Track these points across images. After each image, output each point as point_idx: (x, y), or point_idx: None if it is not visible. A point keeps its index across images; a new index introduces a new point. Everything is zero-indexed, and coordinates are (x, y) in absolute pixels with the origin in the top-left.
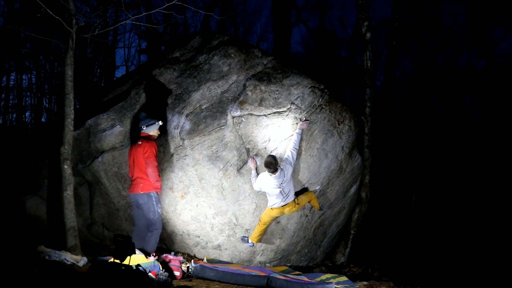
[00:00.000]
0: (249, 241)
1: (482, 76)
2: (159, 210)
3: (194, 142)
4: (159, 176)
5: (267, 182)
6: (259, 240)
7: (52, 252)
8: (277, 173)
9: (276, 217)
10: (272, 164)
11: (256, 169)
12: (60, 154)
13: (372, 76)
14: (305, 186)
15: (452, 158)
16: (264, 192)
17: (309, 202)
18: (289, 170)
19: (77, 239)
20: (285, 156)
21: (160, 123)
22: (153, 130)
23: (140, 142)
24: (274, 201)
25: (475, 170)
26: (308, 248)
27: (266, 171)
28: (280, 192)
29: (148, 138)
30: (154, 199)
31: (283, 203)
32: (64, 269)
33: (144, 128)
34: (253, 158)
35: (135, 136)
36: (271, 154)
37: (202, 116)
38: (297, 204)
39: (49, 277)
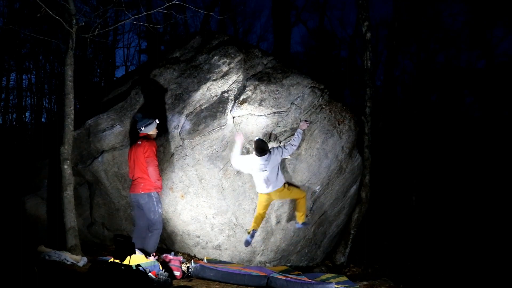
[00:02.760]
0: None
1: (482, 76)
2: (160, 210)
3: (194, 142)
4: (160, 175)
5: (252, 161)
6: (257, 226)
7: (52, 252)
8: (265, 155)
9: (267, 204)
10: (264, 149)
11: (241, 148)
12: (60, 154)
13: (372, 76)
14: (305, 186)
15: (452, 158)
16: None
17: (297, 200)
18: (277, 156)
19: (77, 239)
20: (281, 145)
21: (157, 121)
22: (151, 130)
23: (140, 142)
24: (260, 185)
25: (475, 170)
26: (308, 248)
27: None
28: (264, 179)
29: (148, 137)
30: (154, 199)
31: (268, 190)
32: (64, 269)
33: (143, 128)
34: (241, 134)
35: (134, 137)
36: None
37: (202, 116)
38: (286, 189)
39: (49, 277)
